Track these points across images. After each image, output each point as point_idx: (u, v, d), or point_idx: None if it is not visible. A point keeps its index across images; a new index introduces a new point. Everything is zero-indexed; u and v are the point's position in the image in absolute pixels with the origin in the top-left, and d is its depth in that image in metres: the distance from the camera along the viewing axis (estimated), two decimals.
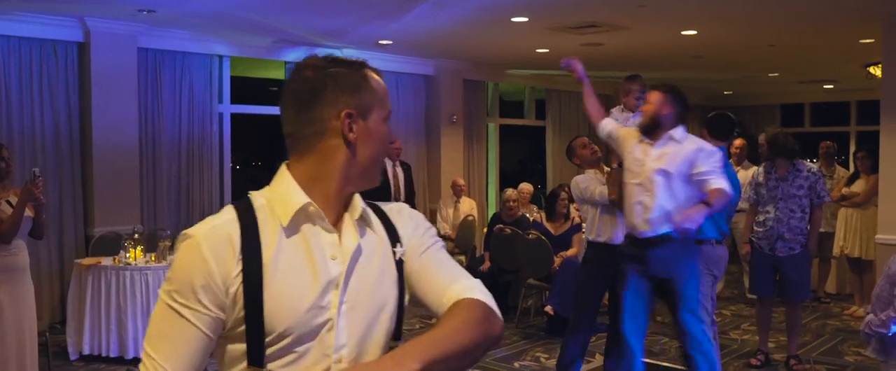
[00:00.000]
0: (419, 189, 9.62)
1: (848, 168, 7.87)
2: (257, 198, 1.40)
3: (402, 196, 8.77)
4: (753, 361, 5.49)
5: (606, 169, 4.79)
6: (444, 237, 8.42)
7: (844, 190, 7.16)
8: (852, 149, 13.95)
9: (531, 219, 7.22)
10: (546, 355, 5.71)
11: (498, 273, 7.05)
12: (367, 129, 1.40)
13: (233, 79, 8.16)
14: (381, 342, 1.42)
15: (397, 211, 1.53)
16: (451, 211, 8.72)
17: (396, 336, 1.46)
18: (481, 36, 7.76)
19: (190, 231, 1.34)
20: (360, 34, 7.54)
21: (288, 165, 1.42)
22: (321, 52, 8.44)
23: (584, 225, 5.50)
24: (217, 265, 1.30)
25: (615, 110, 4.88)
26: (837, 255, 7.48)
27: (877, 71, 8.66)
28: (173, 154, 7.41)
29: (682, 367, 4.77)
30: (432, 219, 9.73)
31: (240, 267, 1.30)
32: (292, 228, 1.36)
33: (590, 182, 4.70)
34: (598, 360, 5.39)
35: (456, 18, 6.69)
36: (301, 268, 1.34)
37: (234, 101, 8.13)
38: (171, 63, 7.39)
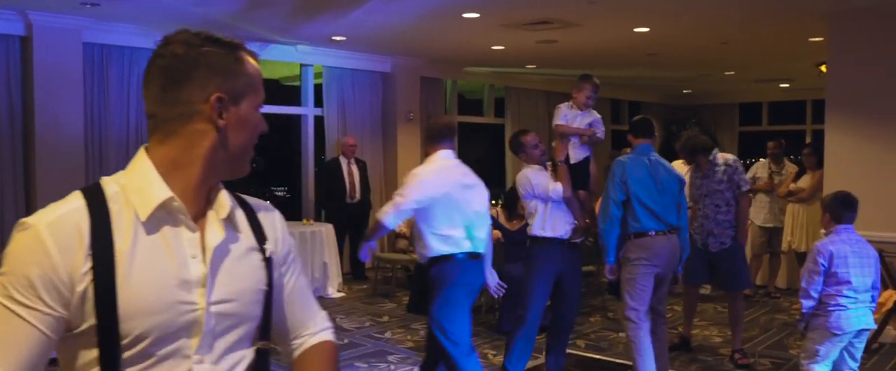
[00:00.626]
0: (375, 186, 9.56)
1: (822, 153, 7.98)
2: (110, 184, 1.29)
3: (358, 193, 8.72)
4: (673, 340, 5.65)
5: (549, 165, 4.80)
6: (398, 235, 8.38)
7: (791, 186, 7.24)
8: None
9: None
10: (494, 352, 5.69)
11: None
12: (239, 116, 1.32)
13: None
14: (248, 344, 1.37)
15: (266, 210, 1.47)
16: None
17: (264, 336, 1.40)
18: (436, 32, 7.72)
19: (30, 219, 1.21)
20: (311, 29, 7.46)
21: (147, 149, 1.33)
22: (272, 47, 8.54)
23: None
24: (62, 259, 1.18)
25: (564, 105, 4.87)
26: (786, 250, 7.59)
27: (826, 69, 8.78)
28: (121, 150, 7.27)
29: (629, 362, 4.88)
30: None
31: (90, 263, 1.19)
32: (151, 224, 1.26)
33: (541, 178, 4.66)
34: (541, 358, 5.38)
35: (407, 13, 6.64)
36: (160, 265, 1.25)
37: None
38: (119, 58, 7.25)
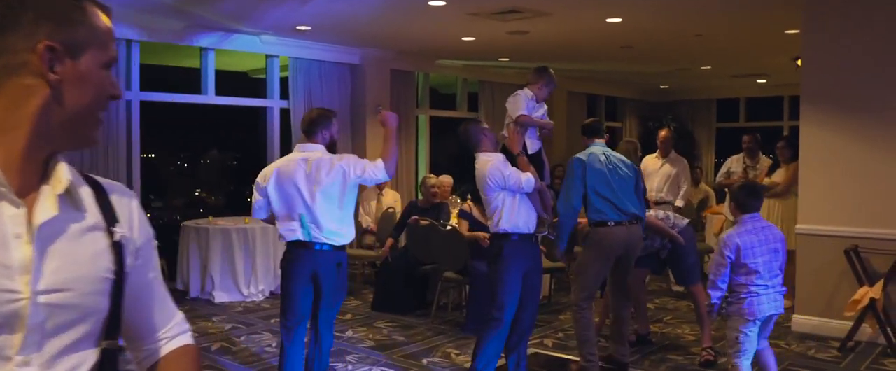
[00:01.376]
0: None
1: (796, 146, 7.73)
2: None
3: None
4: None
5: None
6: (365, 230, 8.15)
7: (765, 181, 7.07)
8: None
9: (460, 209, 6.99)
10: (457, 352, 5.47)
11: (414, 265, 6.81)
12: (78, 72, 1.10)
13: (144, 66, 7.77)
14: (92, 344, 1.14)
15: (121, 193, 1.24)
16: (373, 203, 8.44)
17: (111, 334, 1.17)
18: (403, 22, 7.49)
19: None
20: (275, 18, 7.21)
21: None
22: (236, 37, 8.30)
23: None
24: None
25: (523, 94, 4.67)
26: None
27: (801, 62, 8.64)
28: None
29: (577, 358, 4.85)
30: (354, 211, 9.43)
31: None
32: None
33: (512, 169, 4.44)
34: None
35: (371, 1, 6.41)
36: None
37: (144, 88, 7.73)
38: None
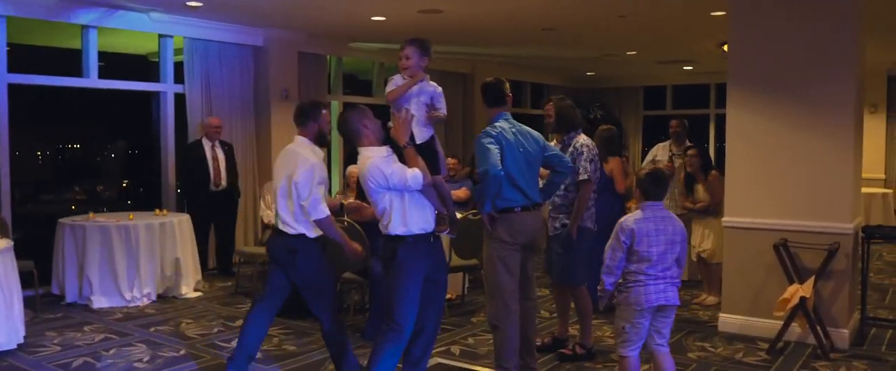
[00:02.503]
0: (247, 172, 8.65)
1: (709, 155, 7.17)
2: None
3: (223, 180, 7.79)
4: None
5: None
6: (267, 226, 7.47)
7: (686, 204, 6.63)
8: (712, 132, 13.90)
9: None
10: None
11: None
12: None
13: (13, 45, 6.94)
14: None
15: None
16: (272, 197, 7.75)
17: None
18: (307, 1, 6.84)
19: None
20: None
21: None
22: (121, 14, 7.48)
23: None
24: None
25: (397, 76, 4.11)
26: (694, 259, 6.85)
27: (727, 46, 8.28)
28: None
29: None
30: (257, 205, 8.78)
31: None
32: None
33: (396, 165, 3.84)
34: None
35: None
36: None
37: (12, 69, 6.89)
38: None
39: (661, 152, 7.40)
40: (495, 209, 4.23)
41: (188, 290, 6.99)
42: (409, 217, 3.83)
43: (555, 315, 5.60)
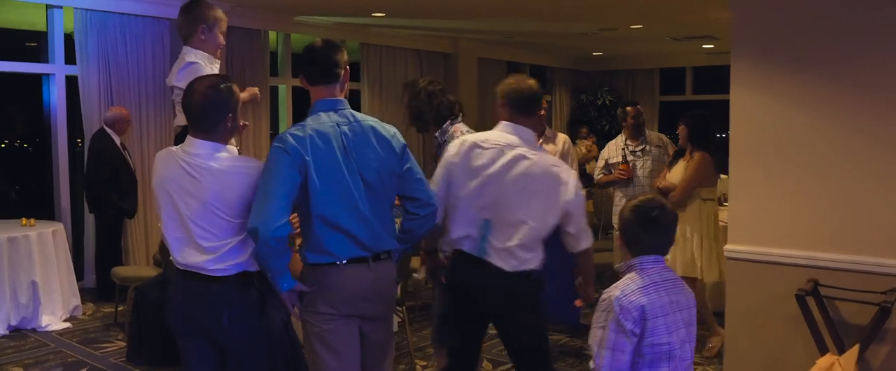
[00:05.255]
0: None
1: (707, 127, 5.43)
2: None
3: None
4: None
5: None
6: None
7: (661, 183, 5.01)
8: None
9: None
10: None
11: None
12: None
13: None
14: None
15: None
16: None
17: None
18: None
19: None
20: None
21: None
22: None
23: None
24: None
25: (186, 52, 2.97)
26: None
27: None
28: None
29: None
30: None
31: None
32: None
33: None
34: None
35: None
36: None
37: None
38: None
39: (613, 152, 5.62)
40: (305, 263, 2.66)
41: (53, 321, 5.56)
42: None
43: None
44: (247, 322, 2.56)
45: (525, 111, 3.08)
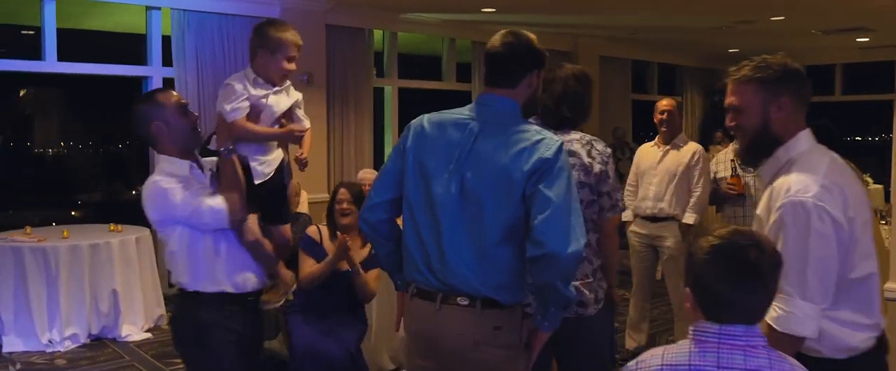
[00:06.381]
0: None
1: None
2: None
3: None
4: None
5: None
6: None
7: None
8: None
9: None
10: None
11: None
12: None
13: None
14: None
15: None
16: None
17: None
18: None
19: None
20: None
21: None
22: None
23: None
24: None
25: (238, 80, 3.06)
26: None
27: None
28: None
29: None
30: None
31: None
32: None
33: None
34: None
35: None
36: None
37: None
38: None
39: (721, 164, 4.57)
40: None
41: (134, 331, 5.36)
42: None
43: None
44: None
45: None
